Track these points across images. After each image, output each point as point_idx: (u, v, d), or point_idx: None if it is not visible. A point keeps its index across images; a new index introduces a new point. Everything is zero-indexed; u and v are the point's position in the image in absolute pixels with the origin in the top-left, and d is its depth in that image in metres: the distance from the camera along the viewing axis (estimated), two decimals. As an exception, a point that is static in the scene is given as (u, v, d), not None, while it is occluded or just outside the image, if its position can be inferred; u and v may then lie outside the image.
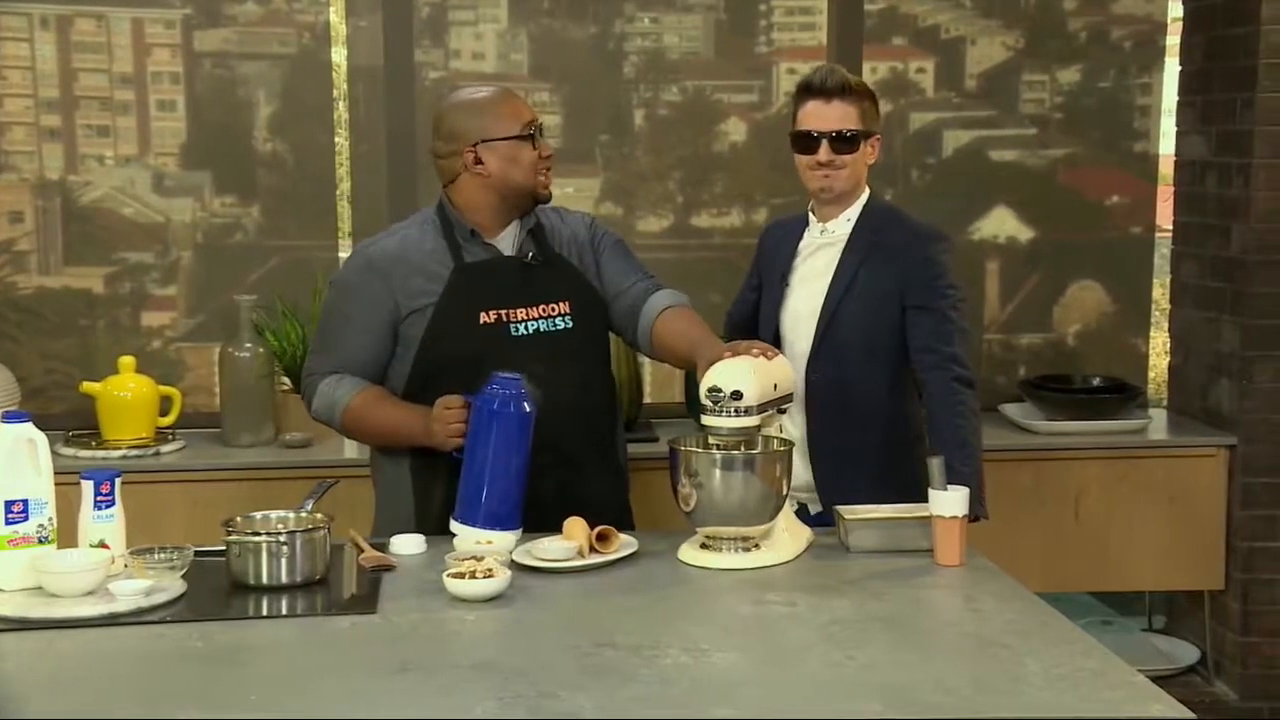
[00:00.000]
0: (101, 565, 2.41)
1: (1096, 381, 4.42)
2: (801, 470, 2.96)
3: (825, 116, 3.02)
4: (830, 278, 3.05)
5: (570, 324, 2.92)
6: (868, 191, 3.11)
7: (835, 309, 3.02)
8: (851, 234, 3.07)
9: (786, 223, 3.22)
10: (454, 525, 2.69)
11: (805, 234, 3.14)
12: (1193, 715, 1.93)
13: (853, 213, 3.08)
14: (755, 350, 2.66)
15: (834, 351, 3.01)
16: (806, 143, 3.04)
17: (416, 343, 2.87)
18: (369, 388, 2.91)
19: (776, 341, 3.05)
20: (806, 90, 3.06)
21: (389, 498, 2.96)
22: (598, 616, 2.32)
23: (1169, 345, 4.58)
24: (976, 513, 2.81)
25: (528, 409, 2.69)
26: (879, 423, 3.01)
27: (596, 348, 3.00)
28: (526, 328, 2.89)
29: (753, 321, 3.19)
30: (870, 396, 3.01)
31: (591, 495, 2.85)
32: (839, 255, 3.06)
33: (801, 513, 2.95)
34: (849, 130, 3.02)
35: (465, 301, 2.86)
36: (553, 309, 2.91)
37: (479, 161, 2.87)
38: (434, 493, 2.87)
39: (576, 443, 2.90)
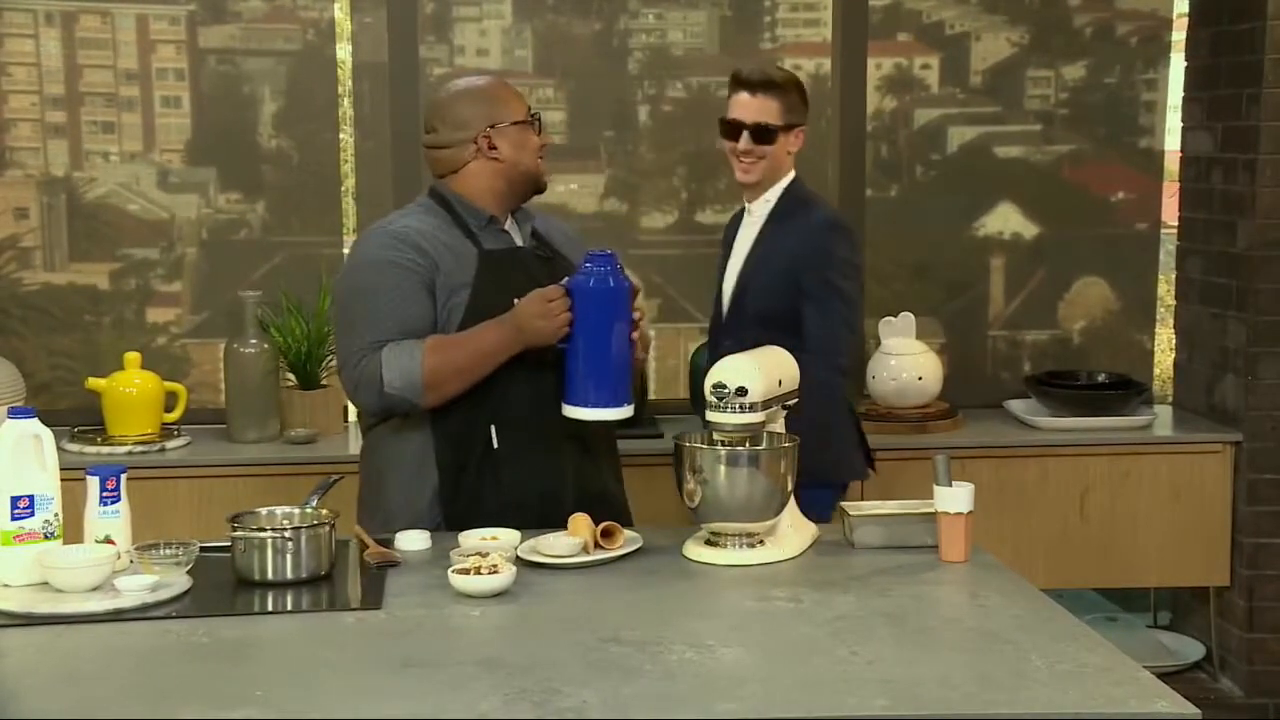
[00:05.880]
0: (107, 561, 2.41)
1: (1102, 378, 4.41)
2: None
3: (749, 108, 3.29)
4: (745, 253, 3.35)
5: None
6: (791, 175, 3.36)
7: (745, 281, 3.34)
8: (769, 214, 3.34)
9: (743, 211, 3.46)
10: (566, 410, 2.70)
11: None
12: (1198, 712, 1.93)
13: (772, 195, 3.35)
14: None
15: (739, 320, 3.31)
16: (731, 131, 3.32)
17: (454, 329, 2.79)
18: (430, 337, 2.78)
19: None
20: (735, 82, 3.33)
21: (366, 487, 2.97)
22: (602, 612, 2.32)
23: (1174, 341, 4.57)
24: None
25: (627, 282, 2.70)
26: None
27: None
28: None
29: None
30: None
31: (605, 487, 2.87)
32: (755, 233, 3.35)
33: None
34: (769, 124, 3.27)
35: (499, 286, 2.81)
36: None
37: (493, 146, 2.86)
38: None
39: (594, 433, 2.87)
